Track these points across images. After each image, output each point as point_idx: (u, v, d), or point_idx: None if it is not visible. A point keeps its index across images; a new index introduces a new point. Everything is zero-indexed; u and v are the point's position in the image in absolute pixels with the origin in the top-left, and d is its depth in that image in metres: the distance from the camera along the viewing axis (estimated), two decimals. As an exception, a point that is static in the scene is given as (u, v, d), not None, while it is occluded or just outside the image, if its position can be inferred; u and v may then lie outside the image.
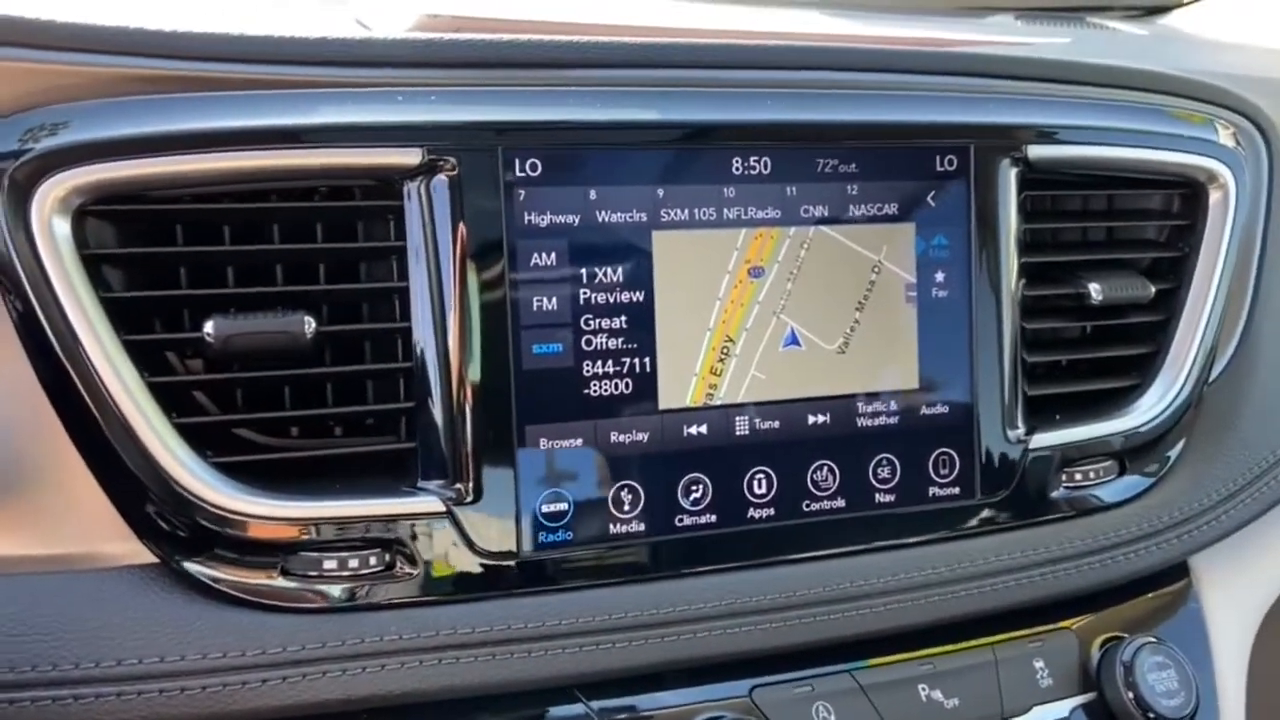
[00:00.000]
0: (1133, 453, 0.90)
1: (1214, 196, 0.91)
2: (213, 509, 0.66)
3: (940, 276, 0.82)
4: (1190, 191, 0.92)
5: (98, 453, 0.66)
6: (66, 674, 0.64)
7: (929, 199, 0.81)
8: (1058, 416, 0.88)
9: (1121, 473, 0.90)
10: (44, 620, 0.65)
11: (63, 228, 0.64)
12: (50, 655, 0.64)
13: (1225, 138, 0.92)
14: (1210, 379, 0.94)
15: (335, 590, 0.69)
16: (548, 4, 0.85)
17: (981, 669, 0.83)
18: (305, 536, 0.68)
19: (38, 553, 0.67)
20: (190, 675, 0.66)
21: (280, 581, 0.68)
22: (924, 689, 0.80)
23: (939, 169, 0.81)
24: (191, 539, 0.67)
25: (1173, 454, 0.92)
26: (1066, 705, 0.84)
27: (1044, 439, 0.86)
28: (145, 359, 0.67)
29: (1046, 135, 0.85)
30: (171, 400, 0.67)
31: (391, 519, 0.69)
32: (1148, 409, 0.89)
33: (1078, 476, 0.88)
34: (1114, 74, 0.91)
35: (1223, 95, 0.96)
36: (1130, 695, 0.83)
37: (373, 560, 0.69)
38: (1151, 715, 0.82)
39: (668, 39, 0.78)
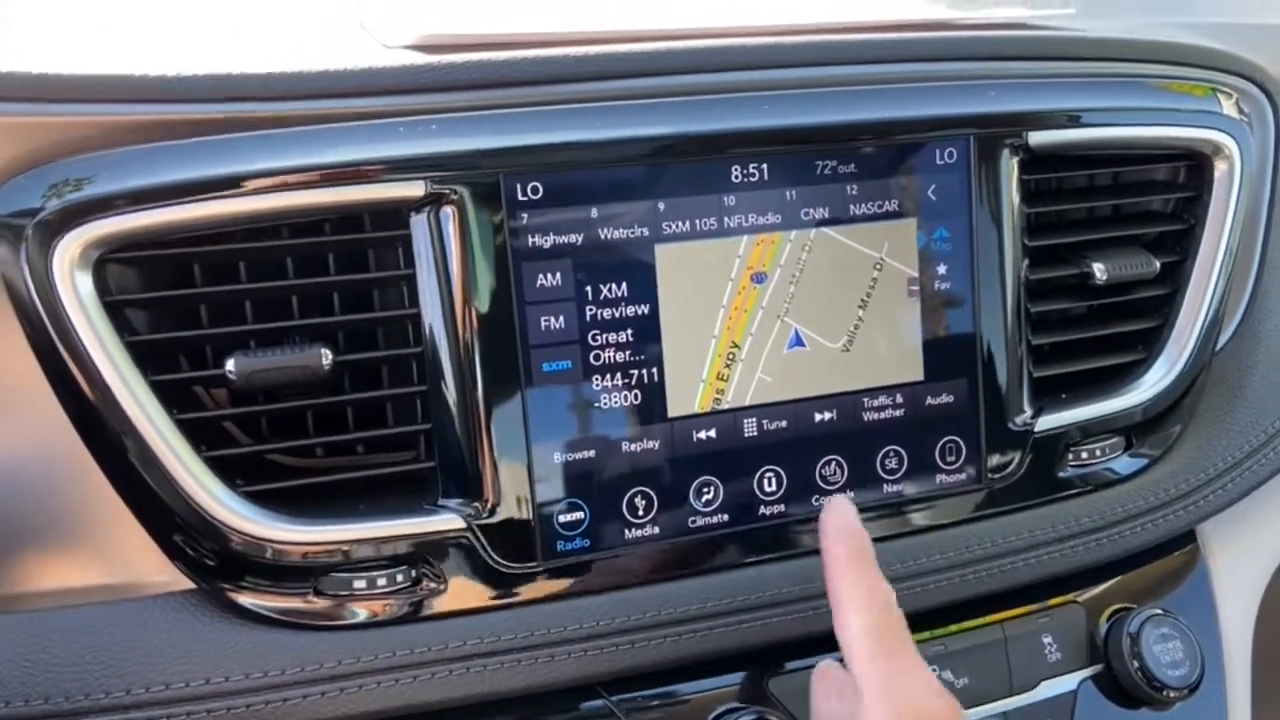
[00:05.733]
0: (1139, 428, 0.91)
1: (1219, 168, 0.91)
2: (246, 537, 0.70)
3: (943, 269, 0.83)
4: (1195, 163, 0.92)
5: (133, 490, 0.69)
6: (118, 700, 0.68)
7: (929, 193, 0.82)
8: (1064, 396, 0.89)
9: (1128, 448, 0.91)
10: (95, 649, 0.69)
11: (85, 280, 0.66)
12: (103, 683, 0.68)
13: (1229, 108, 0.92)
14: (1217, 349, 0.95)
15: (366, 608, 0.72)
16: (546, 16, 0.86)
17: (991, 647, 0.85)
18: (335, 559, 0.71)
19: (84, 584, 0.71)
20: (235, 695, 0.70)
21: (314, 602, 0.72)
22: (934, 670, 0.83)
23: (939, 162, 0.82)
24: (227, 566, 0.71)
25: (1179, 426, 0.93)
26: (1074, 678, 0.87)
27: (1050, 420, 0.87)
28: (172, 397, 0.69)
29: (1047, 121, 0.84)
30: (199, 434, 0.70)
31: (415, 538, 0.73)
32: (1153, 384, 0.90)
33: (1084, 455, 0.89)
34: (1111, 47, 0.90)
35: (1226, 60, 0.95)
36: (1136, 666, 0.86)
37: (400, 577, 0.73)
38: (1157, 685, 0.85)
39: (657, 45, 0.78)
